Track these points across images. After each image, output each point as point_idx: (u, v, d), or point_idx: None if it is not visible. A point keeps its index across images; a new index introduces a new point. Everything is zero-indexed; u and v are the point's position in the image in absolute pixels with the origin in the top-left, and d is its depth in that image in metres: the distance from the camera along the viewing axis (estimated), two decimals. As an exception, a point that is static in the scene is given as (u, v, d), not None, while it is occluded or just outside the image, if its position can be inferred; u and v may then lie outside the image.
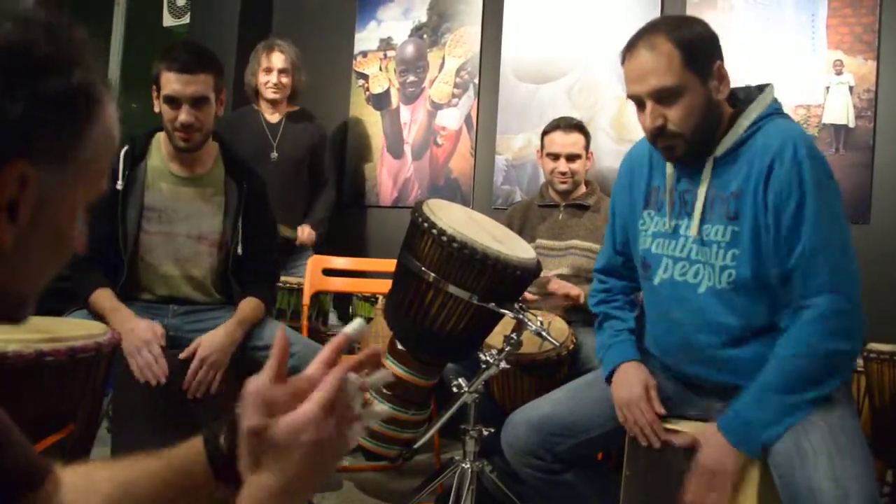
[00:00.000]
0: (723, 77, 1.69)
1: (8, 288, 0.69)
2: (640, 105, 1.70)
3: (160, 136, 2.34)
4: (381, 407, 0.91)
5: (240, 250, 2.36)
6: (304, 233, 3.58)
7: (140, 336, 2.05)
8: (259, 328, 2.28)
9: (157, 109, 2.28)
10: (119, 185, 2.24)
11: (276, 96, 3.58)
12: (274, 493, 0.78)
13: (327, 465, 0.83)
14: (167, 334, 2.18)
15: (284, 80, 3.58)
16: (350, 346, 0.94)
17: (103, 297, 2.17)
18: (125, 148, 2.28)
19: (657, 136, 1.70)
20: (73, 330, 1.55)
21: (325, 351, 0.89)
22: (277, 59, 3.56)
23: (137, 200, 2.27)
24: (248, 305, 2.29)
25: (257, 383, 0.83)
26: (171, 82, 2.20)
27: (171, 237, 2.30)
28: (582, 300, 2.67)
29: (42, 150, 0.65)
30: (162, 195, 2.30)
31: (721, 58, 1.70)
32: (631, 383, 1.79)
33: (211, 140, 2.37)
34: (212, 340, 2.14)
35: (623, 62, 1.73)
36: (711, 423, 1.66)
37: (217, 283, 2.38)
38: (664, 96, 1.65)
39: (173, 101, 2.21)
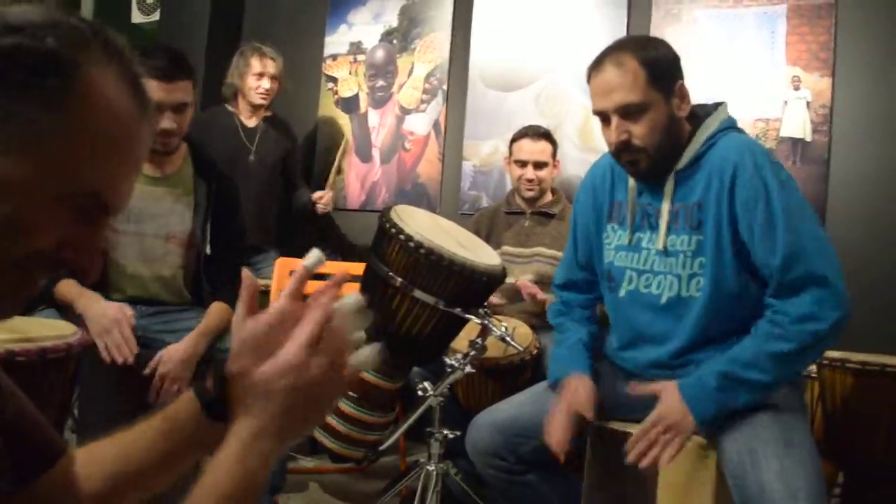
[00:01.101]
0: (684, 96, 1.76)
1: None
2: (606, 120, 1.76)
3: None
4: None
5: (208, 250, 2.37)
6: (327, 195, 3.65)
7: (110, 316, 2.05)
8: (229, 332, 2.29)
9: None
10: None
11: (264, 101, 3.61)
12: (255, 436, 0.77)
13: (319, 409, 0.82)
14: (136, 335, 2.19)
15: (274, 86, 3.60)
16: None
17: (68, 285, 2.15)
18: None
19: (622, 150, 1.75)
20: (44, 330, 1.56)
21: (291, 284, 0.85)
22: (271, 66, 3.57)
23: None
24: (215, 311, 2.30)
25: (243, 327, 0.81)
26: (154, 90, 2.17)
27: (140, 237, 2.30)
28: (546, 306, 2.72)
29: None
30: (132, 194, 2.29)
31: (682, 77, 1.77)
32: (567, 396, 1.83)
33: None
34: (173, 354, 2.15)
35: (589, 78, 1.79)
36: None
37: (187, 282, 2.38)
38: (629, 112, 1.71)
39: (156, 108, 2.20)
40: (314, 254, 0.89)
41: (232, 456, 0.76)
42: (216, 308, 2.30)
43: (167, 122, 2.21)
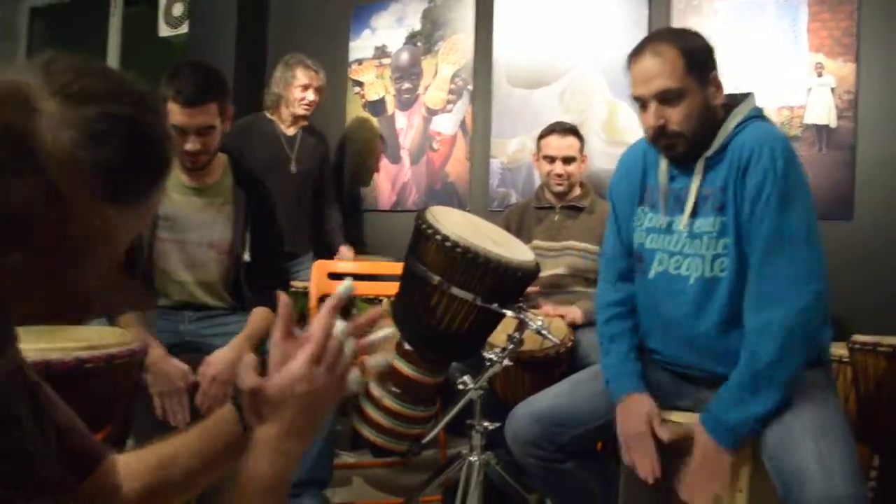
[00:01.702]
0: (718, 85, 1.83)
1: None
2: (644, 106, 1.83)
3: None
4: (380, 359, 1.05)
5: (247, 257, 2.46)
6: (347, 254, 3.74)
7: (174, 383, 2.14)
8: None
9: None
10: None
11: (307, 112, 3.69)
12: (277, 439, 0.91)
13: (325, 410, 0.96)
14: (184, 339, 2.29)
15: (318, 98, 3.68)
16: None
17: (128, 320, 2.24)
18: None
19: (659, 134, 1.82)
20: (107, 338, 1.65)
21: (323, 310, 0.99)
22: (315, 78, 3.65)
23: None
24: (258, 316, 2.37)
25: (281, 348, 0.98)
26: (177, 114, 2.24)
27: (183, 245, 2.39)
28: (580, 321, 2.78)
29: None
30: (174, 205, 2.39)
31: (716, 68, 1.84)
32: (638, 417, 1.84)
33: (219, 152, 2.46)
34: (219, 359, 2.23)
35: (629, 66, 1.86)
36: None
37: (229, 288, 2.47)
38: (667, 98, 1.78)
39: (179, 131, 2.26)
40: (346, 283, 1.05)
41: (261, 457, 0.90)
42: (258, 313, 2.38)
43: (191, 145, 2.28)
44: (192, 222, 2.40)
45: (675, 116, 1.79)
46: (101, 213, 0.73)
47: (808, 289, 1.70)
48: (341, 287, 1.03)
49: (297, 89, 3.62)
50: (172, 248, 2.38)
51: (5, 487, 0.69)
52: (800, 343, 1.70)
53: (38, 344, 1.53)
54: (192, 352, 2.26)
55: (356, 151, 4.25)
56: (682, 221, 1.85)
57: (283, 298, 1.03)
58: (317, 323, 0.97)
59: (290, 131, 3.71)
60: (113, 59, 5.84)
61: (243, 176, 2.50)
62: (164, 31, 5.06)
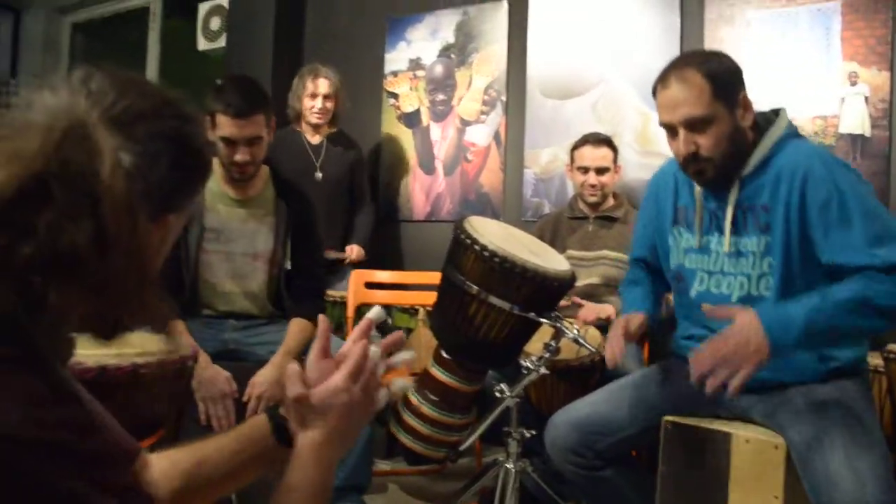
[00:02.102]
0: (747, 106, 1.84)
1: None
2: (673, 133, 1.85)
3: (215, 162, 2.50)
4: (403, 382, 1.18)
5: (288, 266, 2.52)
6: (354, 252, 3.73)
7: (219, 389, 2.20)
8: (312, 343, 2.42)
9: (211, 139, 2.41)
10: None
11: (320, 121, 3.72)
12: (320, 445, 0.99)
13: (361, 421, 1.05)
14: (228, 348, 2.36)
15: (328, 105, 3.71)
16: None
17: (178, 329, 2.31)
18: None
19: (689, 161, 1.84)
20: (160, 345, 1.71)
21: (355, 332, 1.09)
22: (323, 85, 3.68)
23: (198, 222, 2.43)
24: (297, 328, 2.42)
25: (317, 366, 1.07)
26: (227, 126, 2.32)
27: (229, 256, 2.46)
28: (614, 315, 2.81)
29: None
30: (220, 217, 2.46)
31: (745, 88, 1.84)
32: (623, 320, 2.05)
33: (262, 165, 2.53)
34: (263, 379, 2.28)
35: (655, 93, 1.88)
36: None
37: (272, 297, 2.54)
38: (695, 125, 1.79)
39: (229, 142, 2.35)
40: (376, 309, 1.15)
41: (306, 462, 0.98)
42: (296, 326, 2.43)
43: (241, 156, 2.35)
44: (237, 233, 2.47)
45: (706, 143, 1.80)
46: (151, 231, 0.80)
47: None
48: (372, 313, 1.13)
49: (306, 99, 3.69)
50: (218, 260, 2.45)
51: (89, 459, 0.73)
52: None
53: (94, 350, 1.59)
54: (235, 360, 2.33)
55: (391, 163, 4.31)
56: (724, 242, 1.87)
57: (322, 322, 1.13)
58: (353, 345, 1.05)
59: (315, 140, 3.76)
60: (152, 73, 5.96)
61: (283, 187, 2.57)
62: (203, 44, 5.16)
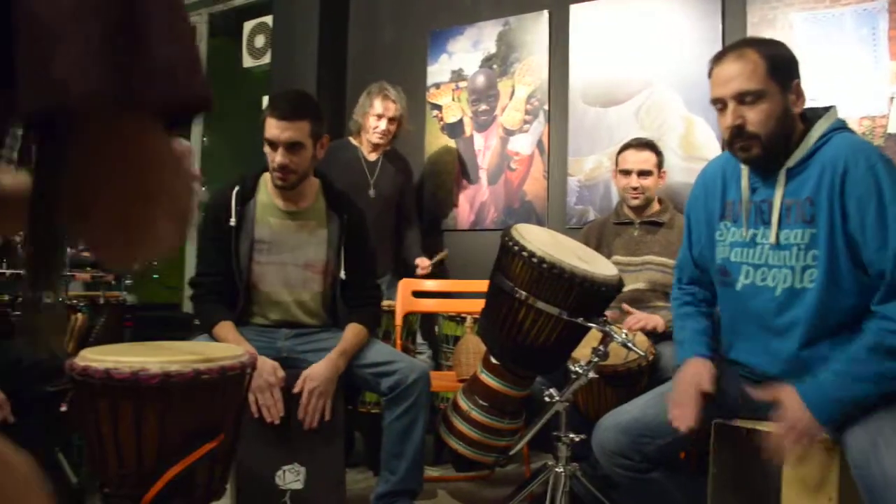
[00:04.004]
0: (800, 93, 1.86)
1: None
2: (723, 107, 1.86)
3: (267, 175, 2.57)
4: None
5: (343, 276, 2.57)
6: (425, 262, 3.81)
7: (266, 378, 2.28)
8: (364, 349, 2.48)
9: (265, 150, 2.50)
10: (232, 221, 2.48)
11: (381, 141, 3.75)
12: None
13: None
14: (281, 356, 2.42)
15: (392, 127, 3.74)
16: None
17: (226, 330, 2.40)
18: (236, 187, 2.52)
19: (735, 135, 1.85)
20: (219, 351, 1.78)
21: None
22: (391, 109, 3.71)
23: (248, 235, 2.50)
24: (352, 332, 2.49)
25: None
26: (271, 127, 2.43)
27: (281, 266, 2.53)
28: (661, 328, 2.82)
29: None
30: (270, 229, 2.53)
31: (799, 77, 1.86)
32: (691, 374, 1.96)
33: (312, 176, 2.59)
34: (317, 373, 2.35)
35: (710, 70, 1.91)
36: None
37: (325, 306, 2.60)
38: (746, 99, 1.81)
39: (272, 144, 2.44)
40: None
41: None
42: (352, 329, 2.50)
43: (280, 158, 2.43)
44: (288, 244, 2.53)
45: (753, 117, 1.82)
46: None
47: None
48: None
49: (372, 118, 3.71)
50: (271, 270, 2.52)
51: None
52: None
53: (159, 357, 1.66)
54: (288, 367, 2.38)
55: (435, 173, 4.36)
56: (770, 234, 1.88)
57: None
58: None
59: (372, 157, 3.81)
60: (199, 90, 6.08)
61: (336, 199, 2.63)
62: (248, 61, 5.27)
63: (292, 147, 2.44)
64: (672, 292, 2.27)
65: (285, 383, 2.32)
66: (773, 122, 1.82)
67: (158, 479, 1.66)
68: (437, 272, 3.87)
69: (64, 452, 2.87)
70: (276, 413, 2.28)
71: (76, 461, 2.97)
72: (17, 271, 2.62)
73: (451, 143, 4.32)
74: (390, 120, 3.73)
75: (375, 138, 3.73)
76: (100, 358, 1.67)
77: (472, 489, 3.20)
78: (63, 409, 2.06)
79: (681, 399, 1.92)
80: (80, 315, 2.91)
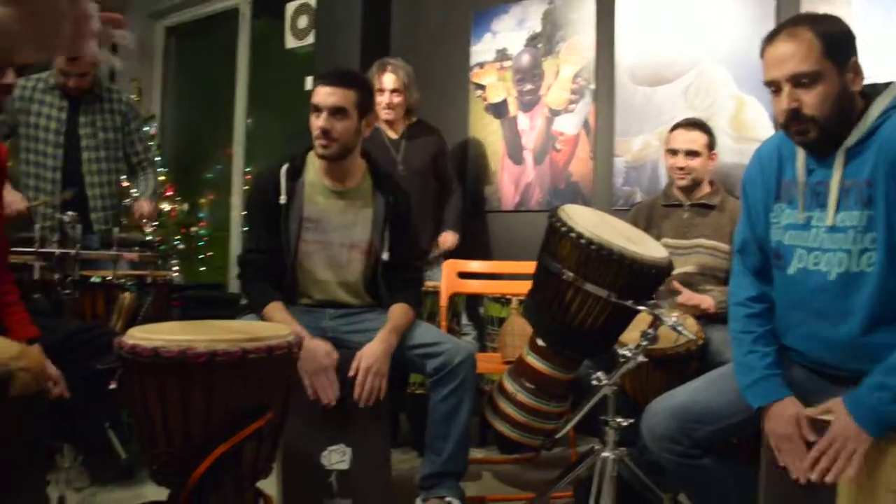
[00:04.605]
0: (858, 71, 1.77)
1: None
2: (777, 90, 1.79)
3: (313, 154, 2.57)
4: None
5: (385, 257, 2.56)
6: (448, 240, 3.77)
7: (320, 361, 2.29)
8: (409, 330, 2.47)
9: (311, 119, 2.51)
10: (283, 199, 2.48)
11: (390, 116, 3.71)
12: None
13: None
14: (326, 336, 2.42)
15: (396, 99, 3.69)
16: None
17: (276, 311, 2.41)
18: (286, 165, 2.52)
19: (791, 119, 1.77)
20: (266, 330, 1.77)
21: None
22: (388, 80, 3.67)
23: (297, 213, 2.50)
24: (399, 312, 2.48)
25: None
26: (318, 93, 2.47)
27: (326, 245, 2.53)
28: (713, 309, 2.77)
29: None
30: (318, 207, 2.53)
31: (856, 53, 1.77)
32: (786, 420, 1.79)
33: (360, 157, 2.59)
34: (372, 352, 2.35)
35: (762, 51, 1.82)
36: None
37: (368, 287, 2.60)
38: (801, 81, 1.73)
39: (317, 109, 2.46)
40: None
41: None
42: (398, 308, 2.49)
43: (322, 122, 2.44)
44: (334, 224, 2.53)
45: (810, 100, 1.74)
46: None
47: None
48: None
49: (376, 94, 3.65)
50: (316, 249, 2.52)
51: None
52: None
53: (206, 335, 1.66)
54: (336, 347, 2.38)
55: (479, 154, 4.33)
56: (826, 216, 1.81)
57: None
58: None
59: (393, 135, 3.77)
60: (242, 71, 6.14)
61: (381, 180, 2.62)
62: (291, 42, 5.27)
63: (336, 112, 2.45)
64: (732, 288, 2.10)
65: (338, 364, 2.32)
66: (830, 103, 1.74)
67: (206, 457, 1.66)
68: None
69: (114, 429, 2.92)
70: (332, 395, 2.28)
71: (125, 438, 3.02)
72: (67, 251, 2.64)
73: (496, 122, 4.28)
74: (392, 92, 3.69)
75: (383, 114, 3.69)
76: (148, 336, 1.68)
77: (517, 472, 3.19)
78: (112, 386, 2.08)
79: (794, 453, 1.77)
80: (128, 294, 2.94)
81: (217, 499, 1.73)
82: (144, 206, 3.62)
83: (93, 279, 2.86)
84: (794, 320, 1.94)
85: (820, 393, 1.89)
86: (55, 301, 2.69)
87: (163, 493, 1.78)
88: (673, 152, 3.08)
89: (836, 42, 1.74)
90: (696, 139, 3.07)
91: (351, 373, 2.32)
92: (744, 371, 1.94)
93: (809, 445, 1.73)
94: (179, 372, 1.64)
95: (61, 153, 3.49)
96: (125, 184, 3.96)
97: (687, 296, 2.80)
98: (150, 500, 1.96)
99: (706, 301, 2.79)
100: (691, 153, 3.05)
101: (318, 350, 2.30)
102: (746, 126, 3.42)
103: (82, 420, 2.35)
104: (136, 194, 3.77)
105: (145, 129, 5.76)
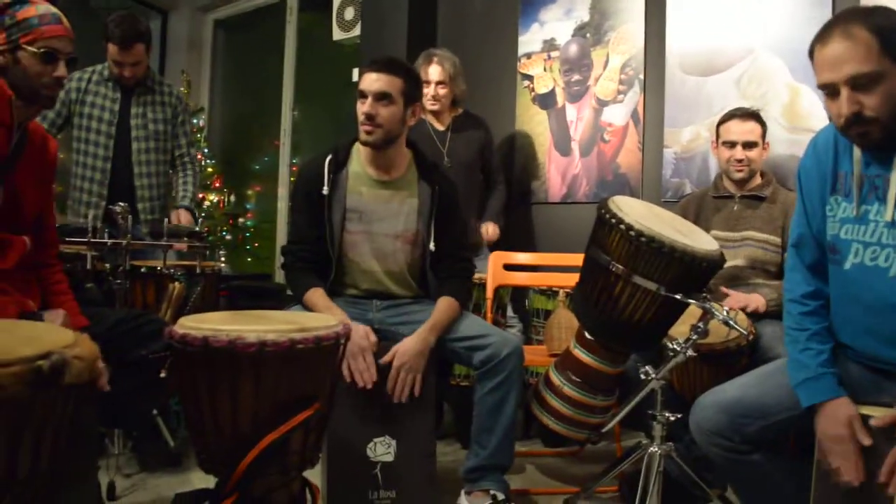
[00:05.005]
0: None
1: None
2: (834, 93, 1.72)
3: (359, 145, 2.57)
4: None
5: (432, 247, 2.56)
6: (489, 231, 3.74)
7: (358, 343, 2.29)
8: (456, 322, 2.46)
9: (357, 107, 2.52)
10: (325, 190, 2.49)
11: (435, 108, 3.69)
12: None
13: None
14: (373, 327, 2.42)
15: (442, 91, 3.67)
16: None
17: (317, 297, 2.42)
18: (329, 156, 2.53)
19: (852, 123, 1.70)
20: (314, 321, 1.78)
21: None
22: (434, 72, 3.64)
23: (341, 203, 2.51)
24: (443, 306, 2.46)
25: None
26: (364, 79, 2.47)
27: (371, 236, 2.53)
28: (763, 309, 2.71)
29: None
30: (362, 198, 2.53)
31: None
32: (838, 421, 1.76)
33: (405, 147, 2.58)
34: (407, 348, 2.34)
35: (813, 52, 1.75)
36: None
37: (415, 277, 2.59)
38: (861, 83, 1.66)
39: (362, 95, 2.47)
40: None
41: None
42: (444, 303, 2.47)
43: (367, 108, 2.45)
44: (379, 214, 2.53)
45: (871, 102, 1.67)
46: None
47: None
48: None
49: (423, 87, 3.60)
50: (361, 240, 2.52)
51: None
52: None
53: (255, 326, 1.67)
54: (381, 339, 2.39)
55: (526, 145, 4.30)
56: (886, 211, 1.75)
57: None
58: None
59: (440, 126, 3.74)
60: (290, 63, 6.18)
61: (427, 170, 2.61)
62: (337, 34, 5.28)
63: (381, 98, 2.45)
64: (787, 284, 2.03)
65: (377, 349, 2.33)
66: (893, 102, 1.66)
67: (253, 446, 1.67)
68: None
69: (162, 417, 2.97)
70: (368, 378, 2.28)
71: (174, 426, 3.07)
72: (118, 241, 2.68)
73: (543, 113, 4.24)
74: (437, 84, 3.66)
75: (428, 105, 3.66)
76: (198, 326, 1.69)
77: (562, 465, 3.17)
78: (162, 375, 2.10)
79: (843, 454, 1.74)
80: (177, 284, 2.97)
81: (263, 488, 1.75)
82: (182, 217, 3.63)
83: (143, 269, 2.90)
84: (849, 317, 1.89)
85: (874, 388, 1.85)
86: (107, 291, 2.74)
87: (210, 481, 1.80)
88: (730, 144, 3.02)
89: (893, 37, 1.67)
90: (752, 129, 3.00)
91: (383, 361, 2.32)
92: (797, 368, 1.89)
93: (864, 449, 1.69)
94: (228, 361, 1.65)
95: (112, 143, 3.54)
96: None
97: (734, 300, 2.74)
98: (197, 487, 1.98)
99: (754, 302, 2.73)
100: (749, 144, 2.99)
101: (357, 331, 2.30)
102: (800, 116, 3.34)
103: (130, 407, 2.39)
104: (177, 200, 3.78)
105: (194, 120, 5.85)
